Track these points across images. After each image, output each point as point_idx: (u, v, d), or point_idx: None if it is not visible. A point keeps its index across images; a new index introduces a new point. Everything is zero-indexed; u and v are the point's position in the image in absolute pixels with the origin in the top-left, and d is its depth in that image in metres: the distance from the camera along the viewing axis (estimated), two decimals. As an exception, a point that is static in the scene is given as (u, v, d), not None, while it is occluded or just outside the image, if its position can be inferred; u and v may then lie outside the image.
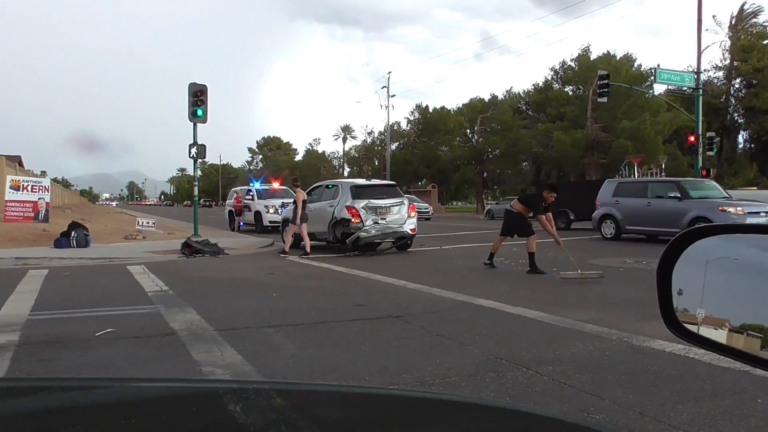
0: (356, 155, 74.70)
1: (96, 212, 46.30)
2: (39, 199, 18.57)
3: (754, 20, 40.62)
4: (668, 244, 1.13)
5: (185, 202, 76.42)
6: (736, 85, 42.09)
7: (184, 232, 19.41)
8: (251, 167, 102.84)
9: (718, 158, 44.09)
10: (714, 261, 1.06)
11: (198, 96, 17.36)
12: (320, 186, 15.28)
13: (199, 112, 17.38)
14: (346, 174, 73.96)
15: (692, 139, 28.65)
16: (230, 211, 25.76)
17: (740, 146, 42.51)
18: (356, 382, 3.75)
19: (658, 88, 46.47)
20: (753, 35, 40.40)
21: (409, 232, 13.66)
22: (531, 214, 10.22)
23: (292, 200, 14.83)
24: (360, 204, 13.21)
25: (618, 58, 44.50)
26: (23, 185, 18.62)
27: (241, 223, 24.06)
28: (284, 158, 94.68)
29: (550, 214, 10.18)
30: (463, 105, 59.62)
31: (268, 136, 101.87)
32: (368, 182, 14.81)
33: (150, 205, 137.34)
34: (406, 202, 13.88)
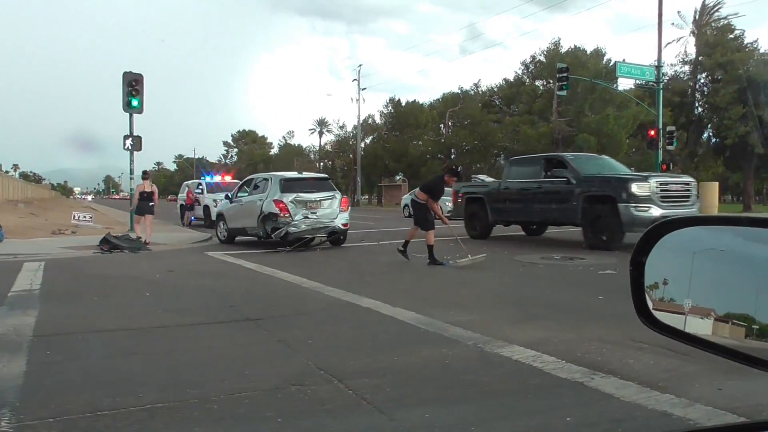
0: (330, 149, 74.05)
1: (57, 206, 45.15)
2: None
3: (717, 14, 40.66)
4: (643, 235, 1.12)
5: (170, 197, 75.12)
6: (702, 80, 42.17)
7: (124, 226, 18.77)
8: (226, 161, 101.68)
9: (683, 153, 44.41)
10: (701, 252, 1.07)
11: (133, 85, 16.72)
12: (253, 179, 14.75)
13: (135, 102, 16.75)
14: (320, 168, 73.30)
15: (652, 133, 28.58)
16: (181, 205, 25.18)
17: (705, 141, 42.55)
18: (120, 396, 3.28)
19: (628, 83, 46.91)
20: (717, 29, 40.45)
21: (341, 226, 13.20)
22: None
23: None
24: (288, 198, 12.72)
25: (588, 52, 44.51)
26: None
27: (192, 218, 23.43)
28: (259, 152, 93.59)
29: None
30: (435, 99, 59.37)
31: (244, 130, 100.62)
32: (298, 175, 14.31)
33: (119, 199, 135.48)
34: (338, 196, 13.41)
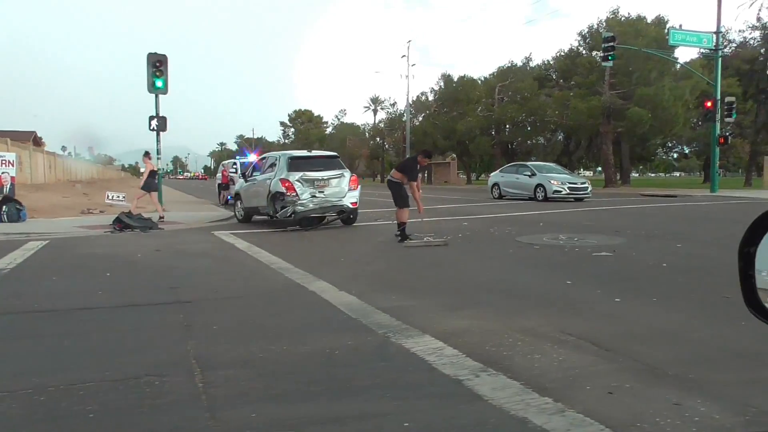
0: (383, 127, 73.71)
1: (116, 186, 46.99)
2: (2, 173, 18.60)
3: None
4: (751, 224, 1.11)
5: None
6: (775, 47, 39.02)
7: (161, 206, 19.19)
8: (286, 141, 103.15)
9: (754, 125, 41.35)
10: None
11: (157, 66, 16.94)
12: (266, 158, 14.69)
13: (159, 83, 16.99)
14: (370, 146, 73.28)
15: (709, 104, 26.70)
16: (219, 185, 25.58)
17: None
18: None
19: (692, 53, 43.91)
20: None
21: (350, 205, 12.96)
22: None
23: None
24: (295, 177, 12.58)
25: (649, 20, 41.96)
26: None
27: (229, 197, 23.78)
28: (315, 131, 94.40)
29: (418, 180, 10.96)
30: (490, 74, 57.71)
31: (300, 109, 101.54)
32: (306, 153, 14.11)
33: (183, 179, 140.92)
34: (346, 174, 13.15)
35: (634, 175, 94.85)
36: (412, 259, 8.29)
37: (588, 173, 73.88)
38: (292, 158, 13.16)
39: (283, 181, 12.55)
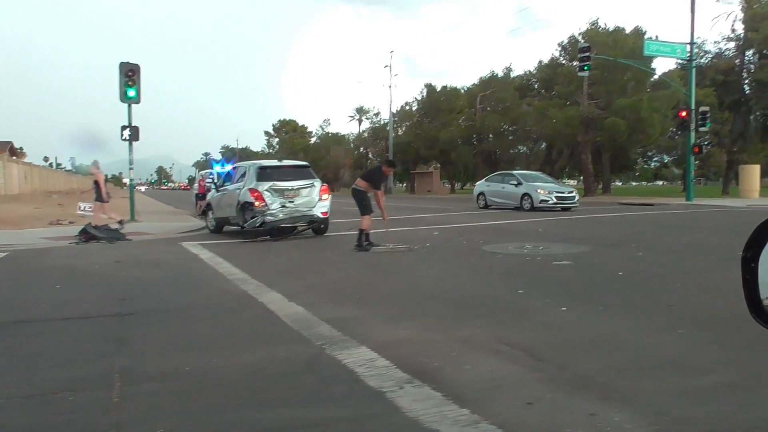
0: (367, 137, 73.82)
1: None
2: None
3: (768, -13, 37.99)
4: (753, 232, 1.11)
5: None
6: (749, 57, 39.66)
7: (130, 216, 19.00)
8: (269, 150, 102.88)
9: (731, 135, 41.92)
10: None
11: (130, 75, 16.83)
12: (239, 167, 14.61)
13: (132, 92, 16.86)
14: (354, 156, 73.32)
15: (684, 114, 27.05)
16: (196, 195, 25.38)
17: (753, 121, 40.03)
18: None
19: (669, 63, 44.50)
20: (765, 4, 37.88)
21: (320, 215, 12.90)
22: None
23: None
24: (264, 186, 12.50)
25: (627, 32, 42.49)
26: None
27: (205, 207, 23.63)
28: (300, 141, 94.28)
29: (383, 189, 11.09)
30: (473, 84, 58.02)
31: (284, 119, 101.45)
32: (276, 163, 14.03)
33: (166, 189, 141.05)
34: (317, 184, 13.10)
35: (618, 183, 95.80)
36: (372, 269, 8.25)
37: (572, 182, 74.44)
38: (262, 168, 13.09)
39: (252, 191, 12.46)
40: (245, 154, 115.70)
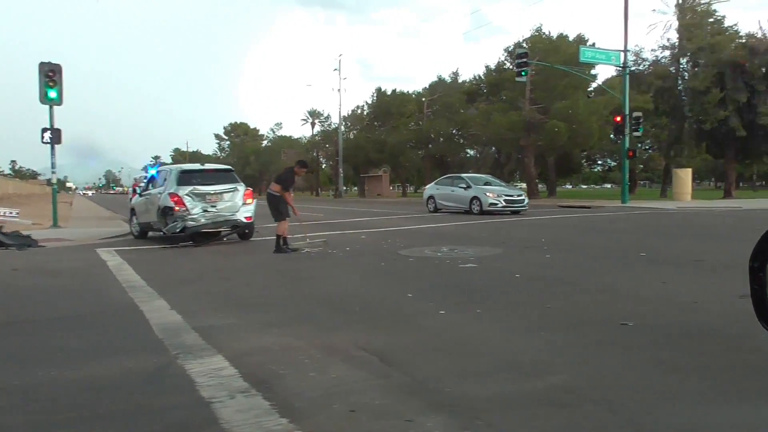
0: (318, 140, 73.51)
1: (35, 202, 44.81)
2: None
3: (699, -1, 39.60)
4: (758, 242, 1.09)
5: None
6: (683, 65, 41.19)
7: (58, 222, 18.31)
8: (221, 154, 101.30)
9: (668, 139, 43.48)
10: None
11: (50, 76, 16.21)
12: (162, 171, 14.26)
13: (53, 94, 16.24)
14: (307, 159, 72.77)
15: (618, 119, 27.85)
16: (130, 199, 24.72)
17: (687, 127, 41.54)
18: None
19: (610, 70, 45.85)
20: (698, 14, 39.45)
21: (244, 220, 12.69)
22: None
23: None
24: (185, 191, 12.22)
25: (571, 38, 43.58)
26: None
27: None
28: (251, 144, 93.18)
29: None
30: (424, 88, 58.47)
31: (236, 122, 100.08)
32: (198, 167, 13.76)
33: (115, 193, 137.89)
34: (240, 188, 12.88)
35: (568, 186, 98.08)
36: (279, 275, 8.14)
37: (523, 184, 75.85)
38: (183, 172, 12.82)
39: (172, 195, 12.17)
40: (195, 157, 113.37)
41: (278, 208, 10.54)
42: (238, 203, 12.68)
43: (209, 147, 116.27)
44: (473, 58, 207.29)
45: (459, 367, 3.78)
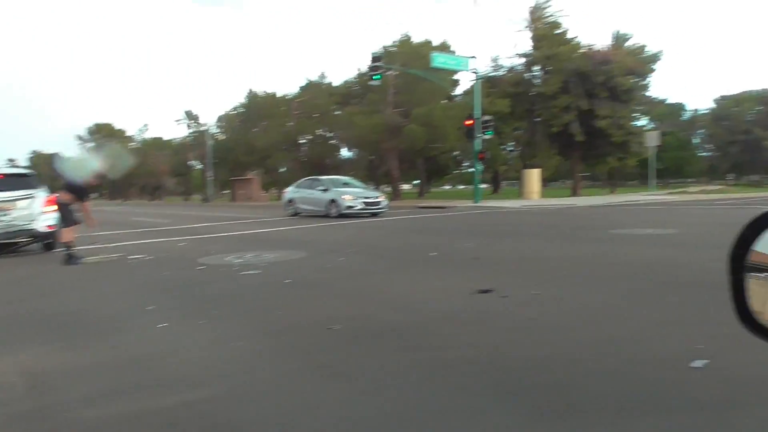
0: (189, 142, 70.63)
1: None
2: None
3: (546, 11, 42.54)
4: (738, 234, 1.02)
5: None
6: (535, 72, 44.01)
7: None
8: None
9: (522, 141, 46.35)
10: None
11: None
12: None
13: None
14: (177, 161, 69.86)
15: (469, 122, 29.13)
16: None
17: (539, 130, 44.44)
18: None
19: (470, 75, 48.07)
20: (546, 25, 42.39)
21: (44, 229, 11.73)
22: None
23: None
24: (-32, 199, 11.09)
25: (434, 44, 45.04)
26: None
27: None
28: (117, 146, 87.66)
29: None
30: (297, 91, 57.92)
31: (100, 123, 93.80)
32: (-15, 172, 12.62)
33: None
34: (40, 195, 11.90)
35: (447, 187, 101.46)
36: (28, 287, 7.54)
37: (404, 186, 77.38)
38: (-33, 178, 11.63)
39: (-47, 203, 10.99)
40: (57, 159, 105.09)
41: (65, 216, 10.10)
42: (36, 211, 11.70)
43: (72, 149, 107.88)
44: (351, 61, 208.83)
45: (112, 386, 3.56)
